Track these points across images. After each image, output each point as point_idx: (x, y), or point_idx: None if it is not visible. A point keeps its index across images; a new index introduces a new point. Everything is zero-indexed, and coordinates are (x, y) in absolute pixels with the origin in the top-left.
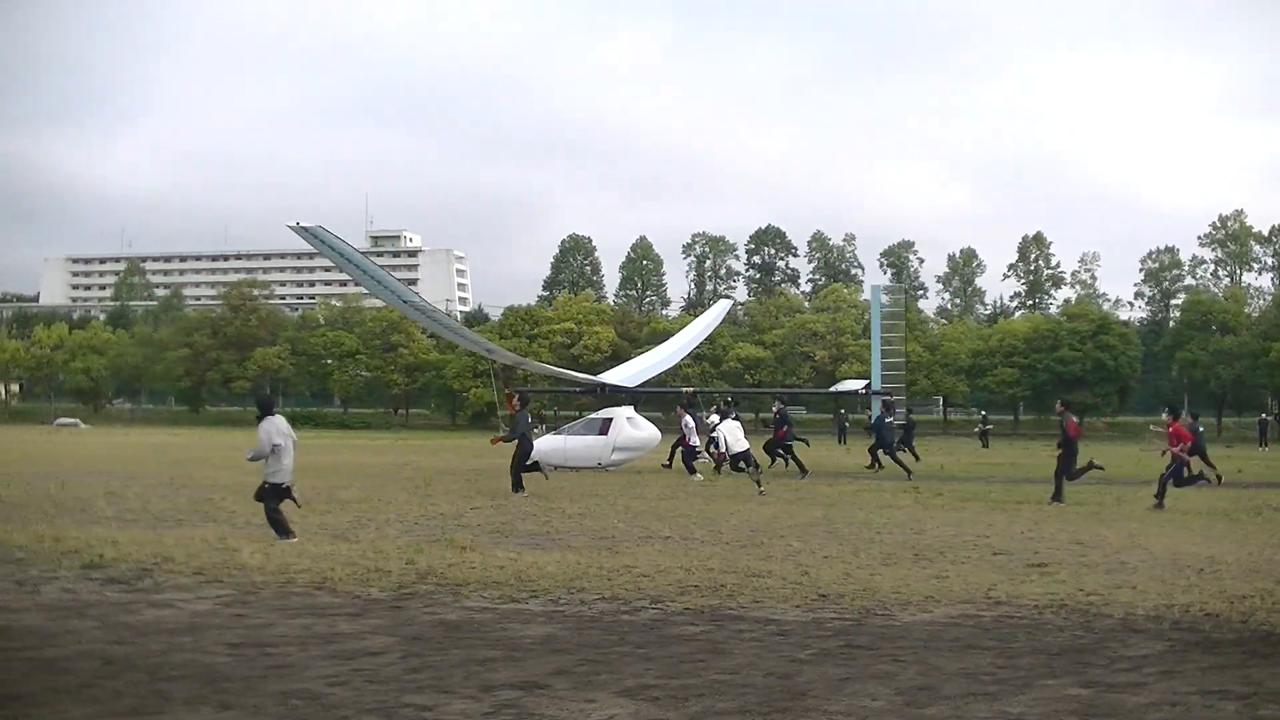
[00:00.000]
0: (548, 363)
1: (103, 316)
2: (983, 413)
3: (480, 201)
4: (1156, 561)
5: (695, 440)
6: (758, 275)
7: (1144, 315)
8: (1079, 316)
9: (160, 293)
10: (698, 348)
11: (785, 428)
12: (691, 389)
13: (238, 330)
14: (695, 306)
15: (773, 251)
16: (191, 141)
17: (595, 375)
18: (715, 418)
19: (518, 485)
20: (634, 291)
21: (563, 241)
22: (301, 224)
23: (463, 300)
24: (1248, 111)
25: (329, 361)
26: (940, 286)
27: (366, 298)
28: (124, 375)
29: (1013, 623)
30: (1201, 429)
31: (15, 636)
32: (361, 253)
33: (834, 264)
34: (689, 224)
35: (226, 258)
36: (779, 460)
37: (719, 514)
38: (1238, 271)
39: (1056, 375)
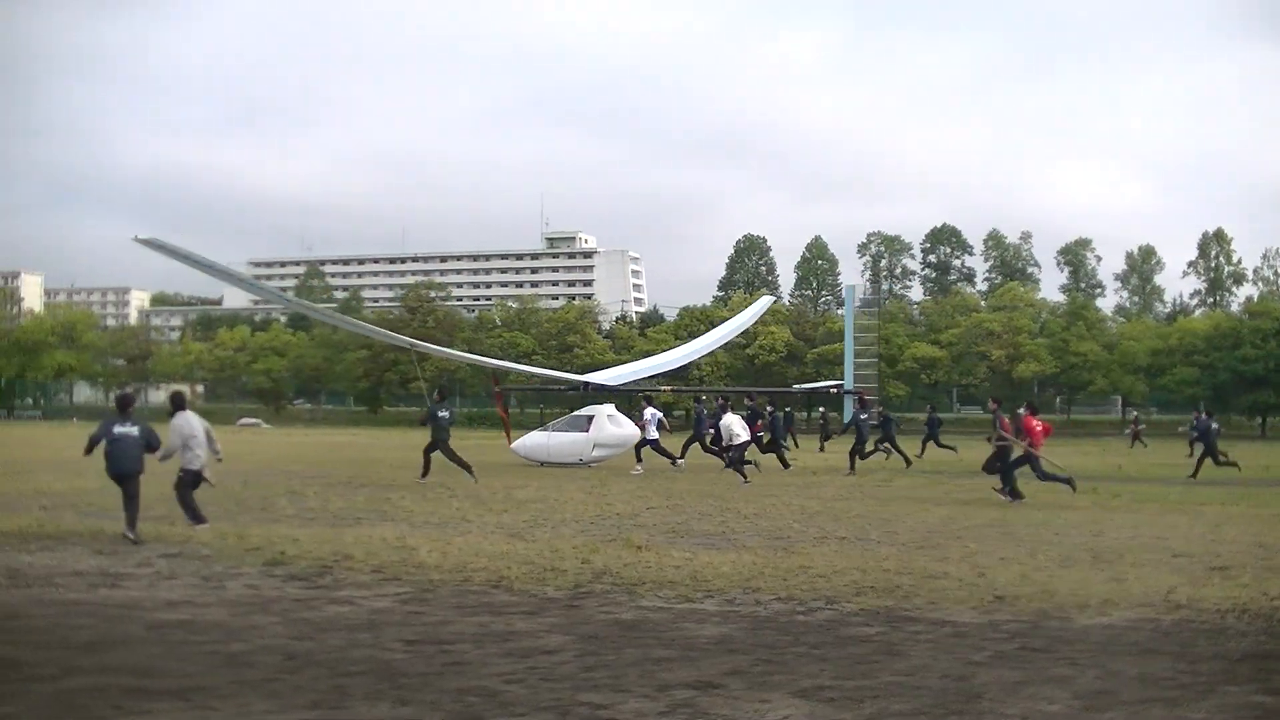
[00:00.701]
0: (723, 363)
1: (284, 319)
2: (1135, 414)
3: (654, 202)
4: None
5: (653, 434)
6: (933, 274)
7: None
8: (1262, 314)
9: (339, 295)
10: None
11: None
12: (669, 387)
13: (415, 332)
14: (870, 306)
15: (948, 250)
16: (370, 146)
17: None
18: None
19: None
20: (809, 291)
21: (737, 242)
22: (139, 236)
23: (638, 301)
24: None
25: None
26: (1118, 284)
27: (541, 299)
28: (304, 376)
29: (1193, 627)
30: (1216, 425)
31: (201, 630)
32: (535, 254)
33: (1010, 262)
34: (861, 224)
35: (404, 260)
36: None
37: (894, 515)
38: None
39: (1238, 374)
